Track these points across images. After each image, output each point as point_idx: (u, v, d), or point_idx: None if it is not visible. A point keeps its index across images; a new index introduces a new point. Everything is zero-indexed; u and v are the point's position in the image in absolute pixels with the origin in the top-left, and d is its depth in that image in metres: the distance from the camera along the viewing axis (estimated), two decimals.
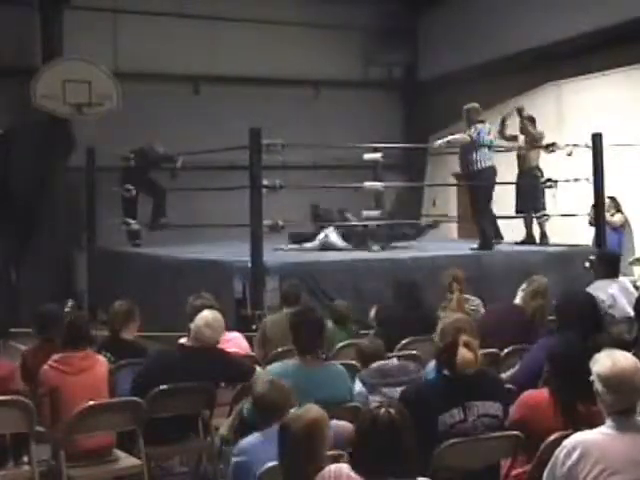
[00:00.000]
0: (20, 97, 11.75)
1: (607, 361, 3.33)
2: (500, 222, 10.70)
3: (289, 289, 7.09)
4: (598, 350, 3.49)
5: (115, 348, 5.69)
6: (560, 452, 3.28)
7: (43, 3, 12.32)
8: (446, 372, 3.96)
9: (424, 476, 3.20)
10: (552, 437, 3.62)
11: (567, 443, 3.28)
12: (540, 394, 4.02)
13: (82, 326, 5.14)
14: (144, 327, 6.23)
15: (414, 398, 3.93)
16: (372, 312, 6.87)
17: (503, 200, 10.89)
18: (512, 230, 11.13)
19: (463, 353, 3.88)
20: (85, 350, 5.04)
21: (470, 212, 10.31)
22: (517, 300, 6.46)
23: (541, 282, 6.46)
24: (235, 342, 6.18)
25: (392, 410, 3.06)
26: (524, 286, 6.37)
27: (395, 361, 5.14)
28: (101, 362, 5.11)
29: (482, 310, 6.98)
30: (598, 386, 3.32)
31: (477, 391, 3.88)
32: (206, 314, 5.26)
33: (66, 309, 10.50)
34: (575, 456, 3.23)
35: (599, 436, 3.29)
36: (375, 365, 5.14)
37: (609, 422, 3.31)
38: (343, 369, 4.86)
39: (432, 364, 5.17)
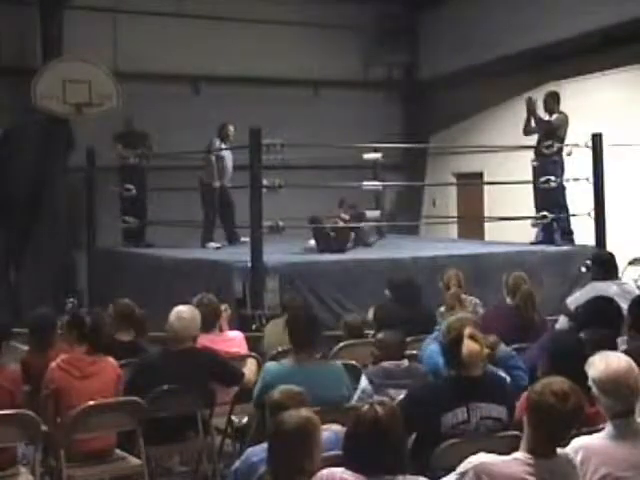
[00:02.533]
0: (20, 97, 11.75)
1: (600, 364, 3.32)
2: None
3: (290, 301, 7.06)
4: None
5: (116, 349, 5.70)
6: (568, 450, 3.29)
7: (43, 3, 12.31)
8: (452, 372, 3.96)
9: (425, 475, 3.20)
10: None
11: (569, 448, 3.27)
12: None
13: (99, 329, 5.12)
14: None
15: (419, 396, 3.97)
16: (370, 312, 6.87)
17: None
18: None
19: (469, 345, 3.89)
20: (97, 352, 5.02)
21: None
22: (508, 301, 6.51)
23: (516, 274, 6.58)
24: (238, 341, 6.20)
25: (378, 408, 3.05)
26: (504, 286, 6.47)
27: (406, 362, 5.16)
28: (110, 367, 5.06)
29: (481, 310, 6.98)
30: (595, 390, 3.31)
31: (482, 393, 3.88)
32: (180, 308, 5.24)
33: (67, 307, 10.52)
34: (580, 458, 3.23)
35: (600, 441, 3.29)
36: (384, 364, 5.16)
37: (609, 426, 3.30)
38: (341, 367, 4.86)
39: (432, 346, 5.19)
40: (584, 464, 3.22)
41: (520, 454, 3.11)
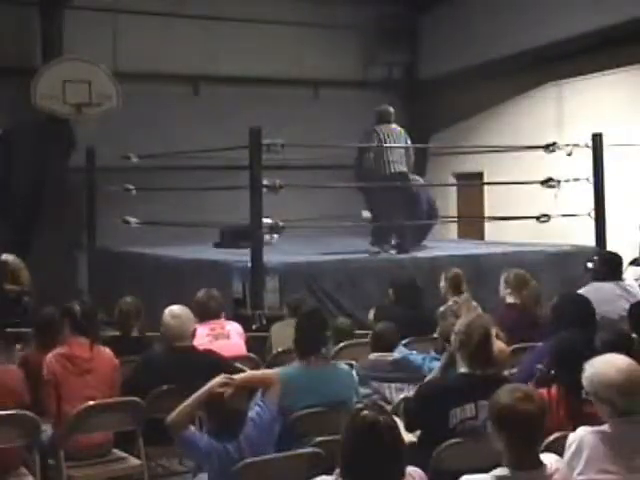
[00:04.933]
0: (20, 97, 11.74)
1: (611, 367, 3.34)
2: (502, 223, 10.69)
3: (295, 303, 7.05)
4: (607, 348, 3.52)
5: (127, 346, 5.72)
6: (567, 444, 3.33)
7: (43, 3, 12.31)
8: (463, 370, 4.01)
9: (428, 474, 3.20)
10: (552, 437, 3.62)
11: (571, 435, 3.34)
12: (545, 393, 4.02)
13: (91, 315, 5.16)
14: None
15: (429, 391, 4.07)
16: (371, 313, 6.86)
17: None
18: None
19: (498, 344, 3.95)
20: (94, 343, 5.04)
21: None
22: (510, 300, 6.48)
23: (519, 271, 6.56)
24: (233, 326, 6.38)
25: (370, 412, 2.98)
26: (505, 285, 6.43)
27: (396, 355, 5.17)
28: (107, 360, 5.10)
29: (479, 312, 6.96)
30: (606, 391, 3.31)
31: (490, 392, 3.89)
32: (172, 307, 5.28)
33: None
34: (572, 450, 3.28)
35: (598, 435, 3.30)
36: (371, 356, 5.17)
37: (614, 421, 3.32)
38: (348, 370, 4.87)
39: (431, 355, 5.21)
40: (578, 454, 3.26)
41: (500, 470, 3.07)
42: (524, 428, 3.05)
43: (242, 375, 4.21)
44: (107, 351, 5.14)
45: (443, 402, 3.89)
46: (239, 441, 3.77)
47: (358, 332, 6.74)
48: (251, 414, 3.91)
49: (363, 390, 4.89)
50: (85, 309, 5.18)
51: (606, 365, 3.36)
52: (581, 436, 3.31)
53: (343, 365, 4.92)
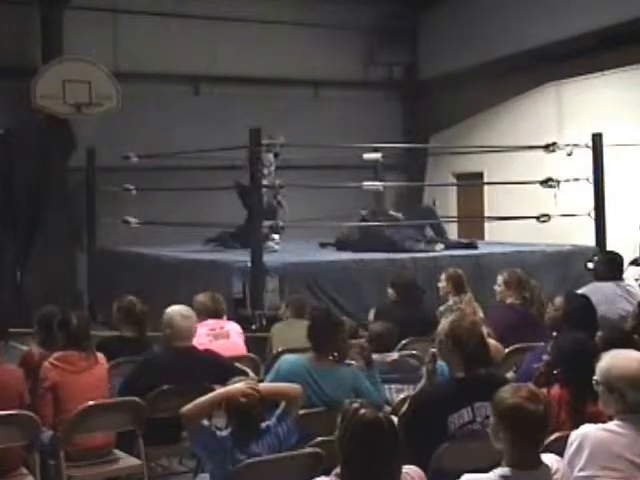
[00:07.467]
0: (20, 97, 11.75)
1: (630, 360, 3.36)
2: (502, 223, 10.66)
3: (296, 303, 7.05)
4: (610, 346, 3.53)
5: (144, 347, 5.70)
6: (569, 441, 3.32)
7: (43, 3, 12.32)
8: (457, 373, 3.98)
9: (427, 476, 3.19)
10: (552, 436, 3.61)
11: (573, 433, 3.33)
12: (545, 392, 4.01)
13: (85, 328, 5.12)
14: None
15: (425, 400, 3.99)
16: (371, 313, 6.86)
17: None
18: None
19: (492, 343, 3.92)
20: (86, 350, 5.04)
21: None
22: (510, 300, 6.47)
23: (517, 271, 6.55)
24: (233, 326, 6.40)
25: (369, 411, 2.97)
26: (504, 285, 6.42)
27: (394, 355, 5.16)
28: (101, 362, 5.11)
29: (480, 312, 6.95)
30: (619, 382, 3.32)
31: (485, 392, 3.88)
32: (177, 307, 5.28)
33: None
34: (574, 447, 3.27)
35: (602, 432, 3.30)
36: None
37: (620, 418, 3.32)
38: (357, 372, 4.85)
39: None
40: (579, 451, 3.25)
41: (501, 470, 3.05)
42: (531, 428, 3.04)
43: (267, 386, 4.16)
44: (99, 355, 5.13)
45: (439, 411, 3.83)
46: (259, 449, 3.77)
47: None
48: (280, 430, 3.89)
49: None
50: (80, 322, 5.14)
51: (625, 358, 3.39)
52: (584, 433, 3.30)
53: (352, 368, 4.92)
